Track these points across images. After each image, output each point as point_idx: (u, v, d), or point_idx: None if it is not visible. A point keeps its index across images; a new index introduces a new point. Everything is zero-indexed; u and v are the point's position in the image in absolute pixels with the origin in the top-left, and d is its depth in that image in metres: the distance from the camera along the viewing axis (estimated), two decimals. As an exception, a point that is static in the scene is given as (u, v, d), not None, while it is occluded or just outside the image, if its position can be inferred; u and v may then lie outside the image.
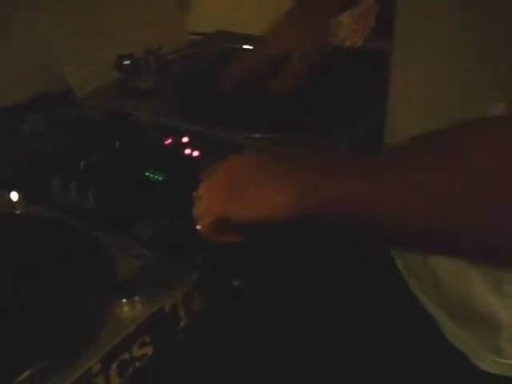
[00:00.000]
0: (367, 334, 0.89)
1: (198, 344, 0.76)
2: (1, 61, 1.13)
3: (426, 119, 0.73)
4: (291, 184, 0.62)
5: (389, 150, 0.63)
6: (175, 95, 1.14)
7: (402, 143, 0.59)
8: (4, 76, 1.13)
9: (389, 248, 0.88)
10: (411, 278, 0.85)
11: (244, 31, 1.38)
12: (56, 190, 0.89)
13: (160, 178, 0.91)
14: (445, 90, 0.70)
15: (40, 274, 0.73)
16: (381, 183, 0.56)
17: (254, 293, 0.82)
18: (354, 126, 0.99)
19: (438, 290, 0.79)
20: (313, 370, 0.92)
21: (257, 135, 0.98)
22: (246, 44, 1.31)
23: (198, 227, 0.74)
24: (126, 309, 0.68)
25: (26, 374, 0.60)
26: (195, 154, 0.97)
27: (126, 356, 0.66)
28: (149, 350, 0.69)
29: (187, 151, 0.97)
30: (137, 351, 0.68)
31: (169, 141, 1.00)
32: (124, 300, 0.68)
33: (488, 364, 0.76)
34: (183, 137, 1.00)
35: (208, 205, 0.71)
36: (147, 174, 0.92)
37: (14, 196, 0.85)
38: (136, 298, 0.68)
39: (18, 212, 0.85)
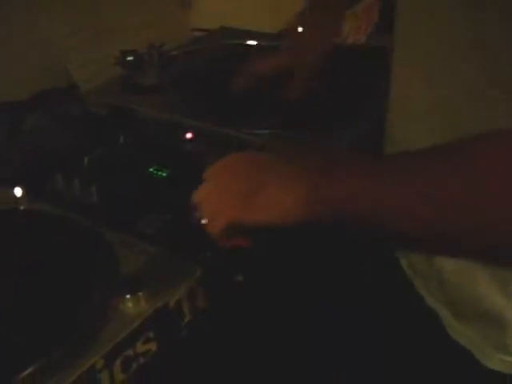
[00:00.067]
0: (372, 333, 0.89)
1: (202, 340, 0.76)
2: (3, 58, 1.13)
3: (427, 119, 0.73)
4: (298, 185, 0.62)
5: (390, 155, 0.64)
6: (178, 91, 1.14)
7: (403, 151, 0.60)
8: (6, 73, 1.13)
9: (394, 248, 0.88)
10: (416, 278, 0.84)
11: (247, 27, 1.38)
12: (59, 186, 0.89)
13: (163, 174, 0.91)
14: (445, 90, 0.70)
15: (43, 270, 0.73)
16: (381, 184, 0.57)
17: (257, 289, 0.82)
18: (355, 126, 0.99)
19: (443, 289, 0.79)
20: (316, 367, 0.92)
21: (260, 131, 0.98)
22: (248, 40, 1.31)
23: (204, 221, 0.74)
24: (129, 305, 0.68)
25: (29, 370, 0.60)
26: (199, 150, 0.96)
27: (129, 352, 0.66)
28: (153, 346, 0.69)
29: (191, 147, 0.97)
30: (141, 347, 0.68)
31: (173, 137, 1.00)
32: (128, 296, 0.68)
33: (495, 362, 0.76)
34: (186, 133, 1.00)
35: (218, 209, 0.70)
36: (151, 170, 0.92)
37: (18, 192, 0.85)
38: (140, 293, 0.68)
39: (21, 208, 0.85)
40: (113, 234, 0.79)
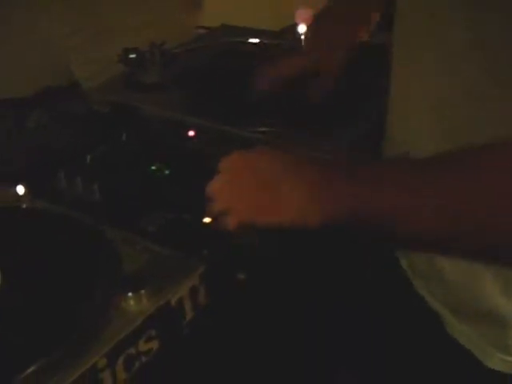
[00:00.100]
0: (372, 334, 0.89)
1: (204, 338, 0.76)
2: (5, 57, 1.13)
3: (426, 119, 0.73)
4: (316, 189, 0.63)
5: (399, 162, 0.64)
6: (181, 89, 1.14)
7: (412, 158, 0.62)
8: (8, 72, 1.13)
9: (394, 248, 0.88)
10: (416, 278, 0.84)
11: (250, 25, 1.38)
12: (62, 183, 0.89)
13: (166, 172, 0.91)
14: (445, 90, 0.70)
15: (45, 268, 0.73)
16: (393, 193, 0.59)
17: (259, 287, 0.82)
18: (355, 126, 0.99)
19: (444, 288, 0.78)
20: (317, 366, 0.92)
21: (263, 129, 0.98)
22: (250, 38, 1.31)
23: (207, 220, 0.74)
24: (131, 303, 0.68)
25: (31, 369, 0.60)
26: (201, 147, 0.96)
27: (132, 350, 0.66)
28: (155, 345, 0.69)
29: (193, 145, 0.97)
30: (143, 346, 0.67)
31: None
32: (130, 294, 0.68)
33: (495, 362, 0.76)
34: (189, 130, 1.00)
35: (233, 206, 0.69)
36: (153, 168, 0.92)
37: (20, 190, 0.85)
38: (142, 291, 0.68)
39: (23, 206, 0.85)
40: (115, 231, 0.79)
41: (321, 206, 0.63)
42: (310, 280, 0.90)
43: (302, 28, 1.19)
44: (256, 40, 1.31)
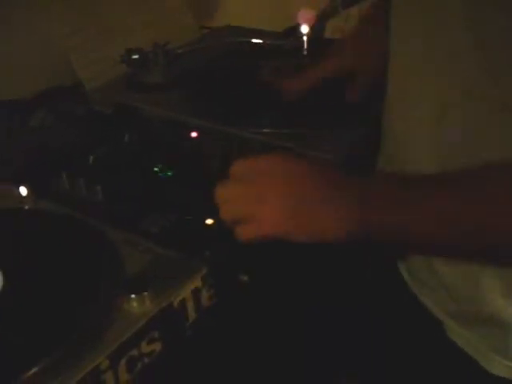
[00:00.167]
0: (374, 341, 0.89)
1: (207, 340, 0.76)
2: (7, 57, 1.13)
3: (426, 118, 0.72)
4: (340, 206, 0.64)
5: (414, 180, 0.66)
6: (184, 90, 1.14)
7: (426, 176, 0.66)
8: (10, 72, 1.13)
9: (392, 255, 0.88)
10: (416, 284, 0.84)
11: (255, 26, 1.38)
12: (65, 184, 0.89)
13: (168, 173, 0.91)
14: (445, 90, 0.69)
15: (48, 269, 0.73)
16: (410, 214, 0.63)
17: (261, 288, 0.82)
18: (355, 126, 0.99)
19: (444, 294, 0.78)
20: (318, 370, 0.92)
21: (265, 130, 0.98)
22: (255, 38, 1.31)
23: (209, 221, 0.74)
24: (134, 304, 0.68)
25: (34, 369, 0.60)
26: (203, 148, 0.96)
27: (134, 352, 0.66)
28: (157, 346, 0.69)
29: (195, 146, 0.97)
30: (145, 347, 0.67)
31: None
32: (133, 296, 0.68)
33: (497, 367, 0.75)
34: (191, 131, 1.00)
35: (256, 217, 0.67)
36: (156, 169, 0.92)
37: (23, 191, 0.85)
38: (145, 293, 0.68)
39: (26, 207, 0.85)
40: (118, 232, 0.79)
41: (340, 224, 0.64)
42: (312, 282, 0.90)
43: (304, 28, 1.19)
44: (259, 40, 1.31)
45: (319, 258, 0.87)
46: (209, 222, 0.80)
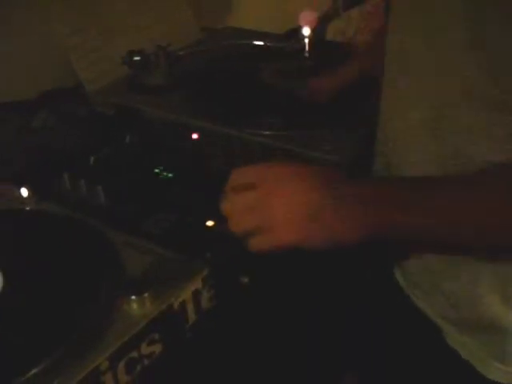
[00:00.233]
0: (372, 345, 0.89)
1: (207, 342, 0.76)
2: (11, 57, 1.13)
3: (427, 118, 0.72)
4: (355, 213, 0.65)
5: (425, 184, 0.67)
6: (185, 91, 1.14)
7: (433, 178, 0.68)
8: (11, 73, 1.13)
9: (389, 260, 0.88)
10: (410, 287, 0.84)
11: (256, 28, 1.38)
12: (66, 185, 0.89)
13: (169, 175, 0.91)
14: (445, 90, 0.69)
15: (49, 270, 0.73)
16: (420, 216, 0.64)
17: (262, 290, 0.82)
18: (355, 126, 0.99)
19: (439, 297, 0.78)
20: (318, 370, 0.92)
21: (265, 132, 0.98)
22: (256, 40, 1.31)
23: (210, 223, 0.73)
24: (134, 306, 0.68)
25: (33, 370, 0.61)
26: (204, 150, 0.97)
27: (134, 354, 0.66)
28: (157, 348, 0.69)
29: (196, 148, 0.97)
30: (145, 349, 0.68)
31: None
32: (133, 297, 0.68)
33: (495, 373, 0.75)
34: (193, 133, 1.00)
35: (275, 227, 0.66)
36: (157, 170, 0.92)
37: (24, 192, 0.85)
38: (145, 295, 0.68)
39: (27, 208, 0.85)
40: (119, 234, 0.79)
41: (355, 232, 0.65)
42: (312, 284, 0.90)
43: (306, 31, 1.19)
44: (260, 42, 1.31)
45: (319, 260, 0.87)
46: (209, 223, 0.80)
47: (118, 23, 1.24)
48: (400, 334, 0.86)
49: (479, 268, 0.72)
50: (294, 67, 1.18)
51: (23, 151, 1.00)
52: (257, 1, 1.53)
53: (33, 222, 0.84)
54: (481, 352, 0.76)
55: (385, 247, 0.85)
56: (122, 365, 0.65)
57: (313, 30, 1.19)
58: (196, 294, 0.73)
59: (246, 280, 0.78)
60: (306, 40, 1.19)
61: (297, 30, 1.21)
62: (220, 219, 0.73)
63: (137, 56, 1.15)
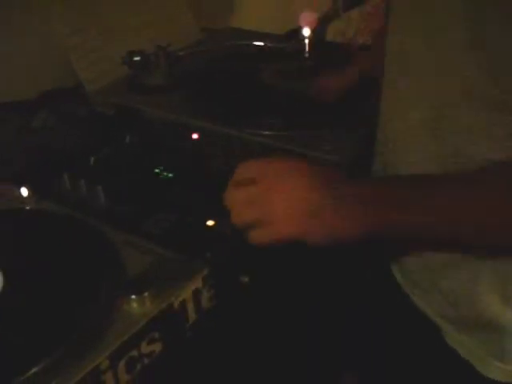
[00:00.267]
0: (371, 344, 0.89)
1: (207, 341, 0.76)
2: (11, 57, 1.13)
3: (427, 118, 0.72)
4: (355, 209, 0.65)
5: (424, 182, 0.67)
6: (185, 92, 1.14)
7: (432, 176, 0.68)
8: (11, 73, 1.13)
9: (388, 258, 0.88)
10: (409, 286, 0.84)
11: (256, 28, 1.38)
12: (66, 185, 0.89)
13: (169, 175, 0.91)
14: (445, 90, 0.69)
15: (49, 269, 0.73)
16: (420, 214, 0.64)
17: (262, 289, 0.82)
18: (355, 126, 0.99)
19: (438, 295, 0.78)
20: (318, 369, 0.92)
21: (265, 132, 0.98)
22: (257, 41, 1.31)
23: (210, 223, 0.73)
24: (134, 305, 0.68)
25: (33, 369, 0.61)
26: (205, 150, 0.97)
27: (134, 353, 0.66)
28: (157, 347, 0.69)
29: (197, 148, 0.97)
30: (145, 348, 0.68)
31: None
32: (133, 296, 0.68)
33: (494, 372, 0.75)
34: (193, 133, 1.00)
35: (276, 221, 0.67)
36: (157, 170, 0.92)
37: (24, 192, 0.85)
38: (145, 294, 0.68)
39: (27, 207, 0.85)
40: (118, 233, 0.79)
41: (362, 233, 0.65)
42: (312, 283, 0.90)
43: (306, 31, 1.19)
44: (260, 43, 1.31)
45: (319, 260, 0.87)
46: (210, 223, 0.80)
47: (118, 23, 1.24)
48: (399, 334, 0.86)
49: (479, 266, 0.72)
50: (294, 68, 1.19)
51: (23, 151, 1.00)
52: (257, 1, 1.53)
53: (33, 222, 0.84)
54: (480, 351, 0.76)
55: (383, 246, 0.85)
56: (122, 364, 0.65)
57: (313, 31, 1.19)
58: (196, 294, 0.73)
59: (246, 279, 0.78)
60: (306, 41, 1.19)
61: (297, 31, 1.21)
62: (221, 217, 0.73)
63: (137, 56, 1.15)
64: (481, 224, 0.63)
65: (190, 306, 0.72)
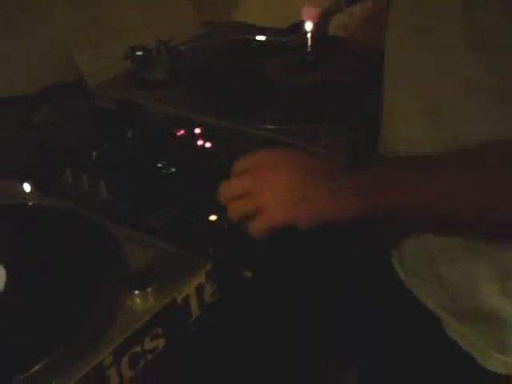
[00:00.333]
0: (372, 337, 0.89)
1: (211, 336, 0.75)
2: (12, 52, 1.13)
3: (427, 118, 0.72)
4: (359, 200, 0.65)
5: (423, 162, 0.67)
6: (187, 86, 1.13)
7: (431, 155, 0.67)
8: (13, 68, 1.13)
9: (388, 250, 0.88)
10: (409, 275, 0.84)
11: (258, 22, 1.38)
12: (68, 180, 0.89)
13: (172, 169, 0.91)
14: (444, 90, 0.69)
15: (51, 265, 0.73)
16: (420, 194, 0.64)
17: (265, 284, 0.82)
18: (355, 126, 0.98)
19: (436, 286, 0.78)
20: (320, 361, 0.92)
21: (268, 126, 0.98)
22: (258, 35, 1.30)
23: (213, 217, 0.73)
24: (138, 301, 0.68)
25: (36, 367, 0.60)
26: (207, 145, 0.96)
27: (138, 348, 0.66)
28: (161, 343, 0.69)
29: (199, 142, 0.97)
30: (149, 344, 0.67)
31: (181, 132, 0.99)
32: (136, 292, 0.68)
33: (495, 364, 0.75)
34: (195, 128, 1.00)
35: (271, 207, 0.68)
36: (159, 165, 0.92)
37: (27, 187, 0.85)
38: (148, 289, 0.68)
39: (30, 203, 0.85)
40: (121, 228, 0.79)
41: (356, 214, 0.66)
42: (316, 278, 0.90)
43: (308, 25, 1.18)
44: (262, 37, 1.31)
45: (322, 254, 0.87)
46: (212, 218, 0.80)
47: (120, 18, 1.24)
48: (400, 326, 0.86)
49: (478, 257, 0.72)
50: (296, 62, 1.18)
51: (25, 146, 1.00)
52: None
53: (35, 217, 0.83)
54: (480, 342, 0.76)
55: (382, 234, 0.85)
56: (125, 360, 0.65)
57: (315, 25, 1.19)
58: (199, 289, 0.72)
59: (249, 274, 0.78)
60: (309, 35, 1.19)
61: (299, 25, 1.21)
62: (223, 212, 0.73)
63: (139, 51, 1.15)
64: (481, 204, 0.63)
65: (194, 302, 0.72)
